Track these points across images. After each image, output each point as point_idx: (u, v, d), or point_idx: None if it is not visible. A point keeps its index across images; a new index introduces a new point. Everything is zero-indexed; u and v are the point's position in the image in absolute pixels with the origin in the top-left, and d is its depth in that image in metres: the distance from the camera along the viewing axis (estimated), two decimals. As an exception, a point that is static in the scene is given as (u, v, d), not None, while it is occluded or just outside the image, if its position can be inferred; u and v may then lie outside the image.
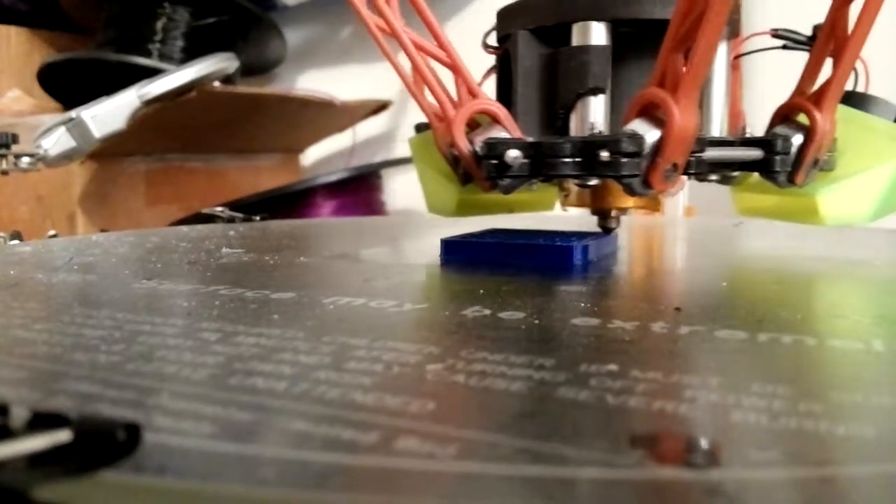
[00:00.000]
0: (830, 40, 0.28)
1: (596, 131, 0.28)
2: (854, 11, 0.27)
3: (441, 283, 0.29)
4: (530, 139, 0.28)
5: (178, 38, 0.89)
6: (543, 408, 0.13)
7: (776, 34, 0.34)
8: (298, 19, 1.08)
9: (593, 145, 0.26)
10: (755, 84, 0.47)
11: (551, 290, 0.25)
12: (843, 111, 0.30)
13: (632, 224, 0.52)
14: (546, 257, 0.31)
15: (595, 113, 0.28)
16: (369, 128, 1.02)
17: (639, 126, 0.26)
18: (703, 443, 0.12)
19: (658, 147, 0.26)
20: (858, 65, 0.31)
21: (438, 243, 0.33)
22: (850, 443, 0.12)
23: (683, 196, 0.74)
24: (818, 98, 0.28)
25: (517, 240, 0.32)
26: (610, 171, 0.26)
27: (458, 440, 0.12)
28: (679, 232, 0.50)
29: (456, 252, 0.33)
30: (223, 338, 0.18)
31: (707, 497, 0.10)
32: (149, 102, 0.67)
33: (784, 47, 0.33)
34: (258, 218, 0.56)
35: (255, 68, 1.01)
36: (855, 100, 0.31)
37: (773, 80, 0.31)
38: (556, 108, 0.30)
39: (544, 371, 0.15)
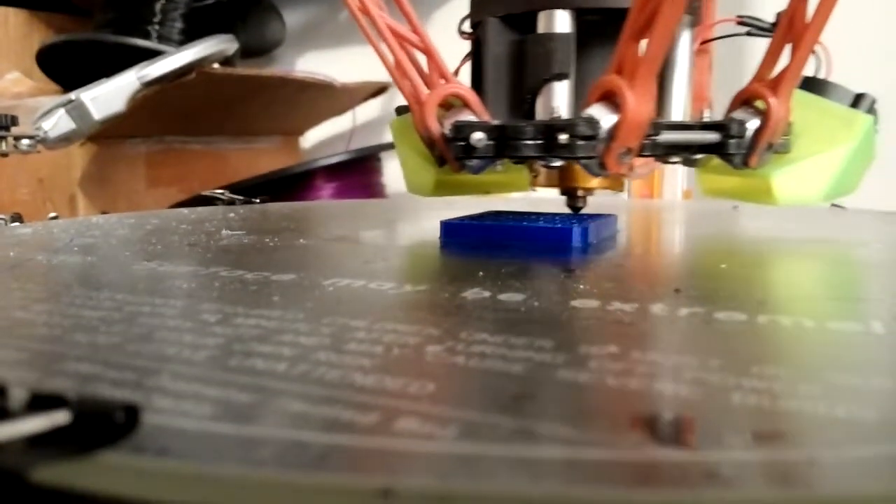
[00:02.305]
0: (790, 29, 0.29)
1: (556, 115, 0.29)
2: (813, 3, 0.28)
3: (440, 266, 0.29)
4: (496, 122, 0.29)
5: (176, 19, 0.89)
6: (543, 389, 0.13)
7: (741, 21, 0.35)
8: (297, 1, 1.07)
9: (553, 128, 0.27)
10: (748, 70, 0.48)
11: (551, 273, 0.25)
12: (801, 96, 0.31)
13: (631, 207, 0.51)
14: (546, 239, 0.31)
15: (559, 98, 0.30)
16: (369, 110, 1.02)
17: (596, 111, 0.27)
18: (703, 424, 0.12)
19: (613, 131, 0.27)
20: (821, 51, 0.33)
21: (438, 225, 0.33)
22: (850, 425, 0.12)
23: (682, 179, 0.74)
24: (775, 84, 0.29)
25: (517, 222, 0.32)
26: (567, 152, 0.27)
27: (458, 421, 0.12)
28: (678, 215, 0.50)
29: (455, 234, 0.33)
30: (223, 319, 0.18)
31: (707, 479, 0.10)
32: (148, 84, 0.66)
33: (748, 34, 0.35)
34: (258, 200, 0.56)
35: (254, 50, 1.01)
36: (813, 85, 0.32)
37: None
38: (523, 93, 0.31)
39: (544, 353, 0.15)
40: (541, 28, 0.30)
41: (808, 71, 0.32)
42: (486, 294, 0.21)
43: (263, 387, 0.13)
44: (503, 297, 0.21)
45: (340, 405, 0.12)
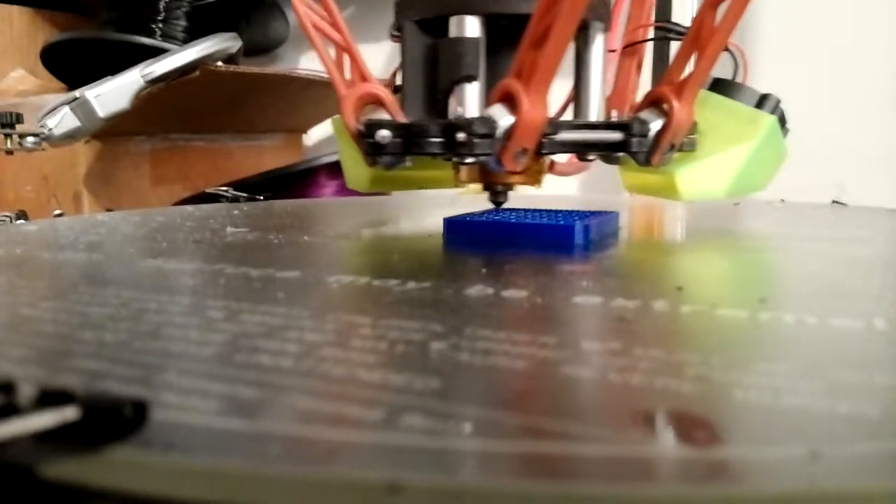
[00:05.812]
0: (699, 37, 0.30)
1: (459, 115, 0.30)
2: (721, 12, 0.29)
3: (444, 262, 0.29)
4: (405, 121, 0.31)
5: (180, 17, 0.89)
6: (546, 385, 0.13)
7: (658, 26, 0.36)
8: (301, -2, 1.07)
9: (453, 127, 0.28)
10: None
11: (554, 269, 0.25)
12: (708, 97, 0.33)
13: (633, 204, 0.52)
14: (548, 236, 0.31)
15: (469, 99, 0.30)
16: (372, 108, 1.02)
17: (496, 111, 0.28)
18: (705, 421, 0.12)
19: (510, 132, 0.27)
20: (738, 54, 0.34)
21: (441, 222, 0.33)
22: (852, 421, 0.12)
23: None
24: (680, 88, 0.30)
25: (520, 219, 0.32)
26: (466, 150, 0.28)
27: (462, 417, 0.12)
28: (680, 212, 0.50)
29: (459, 231, 0.33)
30: (229, 316, 0.18)
31: (709, 474, 0.10)
32: (152, 82, 0.67)
33: (665, 38, 0.36)
34: (262, 197, 0.56)
35: (257, 48, 1.01)
36: (721, 86, 0.34)
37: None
38: (437, 94, 0.31)
39: (547, 349, 0.15)
40: (452, 32, 0.30)
41: (727, 74, 0.34)
42: (490, 291, 0.21)
43: (269, 383, 0.13)
44: (506, 293, 0.21)
45: (346, 401, 0.12)
